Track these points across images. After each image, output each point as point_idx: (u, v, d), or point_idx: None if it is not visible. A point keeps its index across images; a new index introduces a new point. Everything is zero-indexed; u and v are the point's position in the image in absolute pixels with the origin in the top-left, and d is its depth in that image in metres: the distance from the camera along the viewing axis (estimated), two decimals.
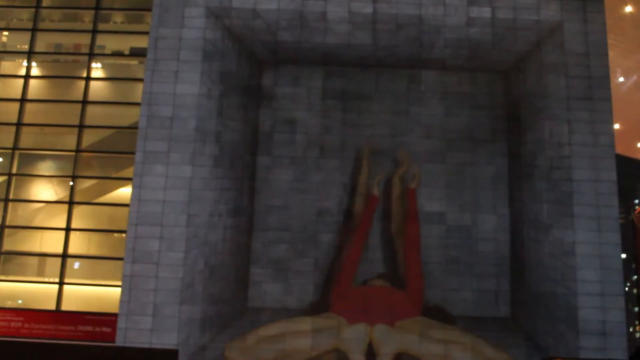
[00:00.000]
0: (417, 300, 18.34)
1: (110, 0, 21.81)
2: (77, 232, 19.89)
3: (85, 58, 21.09)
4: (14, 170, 20.38)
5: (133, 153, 18.50)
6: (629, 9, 24.20)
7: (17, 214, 20.39)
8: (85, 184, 20.39)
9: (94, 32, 21.13)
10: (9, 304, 19.38)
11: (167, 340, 17.10)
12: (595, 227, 17.81)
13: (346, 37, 19.25)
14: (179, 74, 18.69)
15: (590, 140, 18.36)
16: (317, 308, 18.53)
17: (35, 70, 21.29)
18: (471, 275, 19.39)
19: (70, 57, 21.74)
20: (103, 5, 21.47)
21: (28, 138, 20.64)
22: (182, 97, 18.53)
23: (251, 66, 20.19)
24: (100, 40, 21.26)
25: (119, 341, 17.15)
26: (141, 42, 20.43)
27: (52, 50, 21.63)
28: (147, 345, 17.00)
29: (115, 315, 17.54)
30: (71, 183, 20.10)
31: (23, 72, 21.12)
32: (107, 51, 21.42)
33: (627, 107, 25.08)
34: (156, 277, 17.45)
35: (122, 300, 17.40)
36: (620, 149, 22.01)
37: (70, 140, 20.34)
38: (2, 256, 19.87)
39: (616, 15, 23.82)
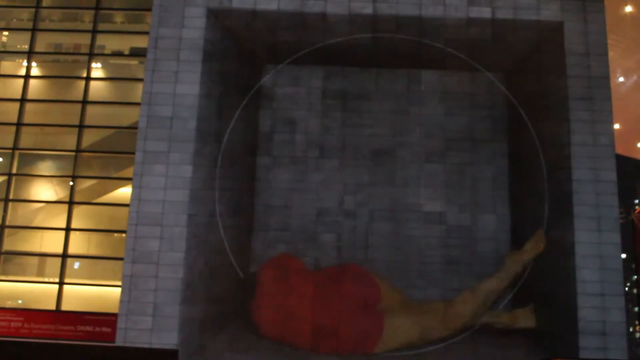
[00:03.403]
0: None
1: (110, 0, 21.81)
2: (77, 232, 19.90)
3: (85, 58, 21.10)
4: (14, 170, 20.39)
5: (133, 153, 18.49)
6: (629, 9, 24.20)
7: (17, 214, 20.40)
8: (85, 184, 20.40)
9: (94, 32, 21.14)
10: (9, 304, 19.38)
11: (167, 340, 17.10)
12: (595, 227, 17.79)
13: (346, 37, 19.25)
14: (179, 74, 18.68)
15: (590, 140, 18.34)
16: None
17: (35, 70, 21.30)
18: (471, 275, 19.38)
19: (70, 57, 21.76)
20: (103, 5, 21.48)
21: (28, 138, 20.65)
22: (182, 97, 18.51)
23: (251, 66, 20.18)
24: (100, 40, 21.28)
25: (119, 341, 17.14)
26: (141, 42, 20.46)
27: (52, 50, 21.65)
28: (147, 345, 16.99)
29: (115, 315, 17.53)
30: (71, 183, 20.11)
31: (23, 72, 21.13)
32: (107, 51, 21.43)
33: (627, 107, 25.08)
34: (156, 277, 17.44)
35: (122, 300, 17.39)
36: (620, 149, 22.01)
37: (70, 140, 20.35)
38: (2, 256, 19.87)
39: (616, 15, 23.83)
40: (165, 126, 18.37)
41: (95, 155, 20.56)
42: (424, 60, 19.90)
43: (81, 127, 20.39)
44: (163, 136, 18.31)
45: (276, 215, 19.63)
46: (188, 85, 18.52)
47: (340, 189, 19.74)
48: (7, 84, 21.16)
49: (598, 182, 18.03)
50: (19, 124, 20.46)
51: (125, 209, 18.43)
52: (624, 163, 23.55)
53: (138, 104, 18.90)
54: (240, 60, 19.80)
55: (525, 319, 17.98)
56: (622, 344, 17.14)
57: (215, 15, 18.84)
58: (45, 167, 20.71)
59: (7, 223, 19.97)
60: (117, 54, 21.61)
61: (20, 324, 18.29)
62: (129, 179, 18.86)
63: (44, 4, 21.86)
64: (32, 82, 21.06)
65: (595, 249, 17.63)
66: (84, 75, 20.90)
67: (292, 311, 17.52)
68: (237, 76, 19.61)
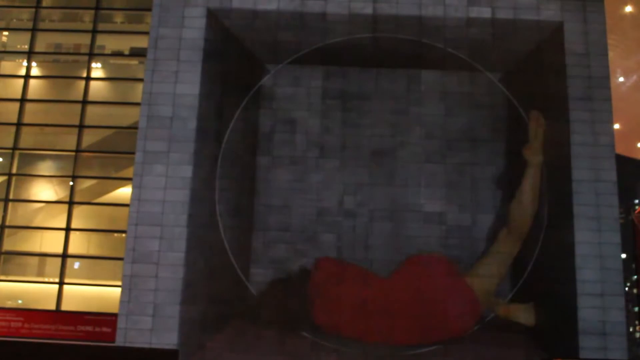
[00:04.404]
0: None
1: (110, 0, 21.81)
2: (77, 232, 19.90)
3: (85, 58, 21.10)
4: (14, 170, 20.39)
5: (133, 153, 18.52)
6: (629, 9, 24.20)
7: (17, 214, 20.39)
8: (85, 184, 20.40)
9: (94, 32, 21.14)
10: (9, 304, 19.38)
11: (167, 340, 17.11)
12: (595, 227, 17.81)
13: (346, 37, 19.24)
14: (179, 74, 18.69)
15: (590, 140, 18.36)
16: None
17: (35, 70, 21.30)
18: None
19: (70, 57, 21.76)
20: (103, 5, 21.48)
21: (28, 138, 20.65)
22: (182, 97, 18.53)
23: (251, 66, 20.18)
24: (100, 40, 21.27)
25: (119, 341, 17.16)
26: (141, 42, 20.45)
27: (52, 50, 21.65)
28: (147, 345, 17.01)
29: (115, 315, 17.55)
30: (71, 183, 20.11)
31: (23, 72, 21.13)
32: (107, 51, 21.43)
33: (627, 107, 25.08)
34: (156, 277, 17.46)
35: (122, 300, 17.41)
36: (620, 149, 22.01)
37: (70, 140, 20.35)
38: (2, 256, 19.87)
39: (616, 15, 23.83)
40: (165, 126, 18.39)
41: (95, 155, 20.55)
42: (424, 60, 19.90)
43: (81, 127, 20.39)
44: (163, 136, 18.33)
45: (276, 215, 19.60)
46: (188, 85, 18.54)
47: (340, 189, 19.71)
48: (7, 84, 21.16)
49: (598, 182, 18.04)
50: (19, 124, 20.46)
51: (125, 209, 18.43)
52: (624, 163, 23.56)
53: (138, 104, 18.93)
54: (240, 60, 19.78)
55: (525, 315, 18.04)
56: (622, 344, 17.15)
57: (215, 15, 18.84)
58: (45, 167, 20.70)
59: (7, 223, 19.97)
60: (117, 54, 21.61)
61: (20, 324, 18.29)
62: (129, 179, 18.87)
63: (44, 4, 21.86)
64: (32, 82, 21.06)
65: (595, 249, 17.65)
66: (84, 75, 20.89)
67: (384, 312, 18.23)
68: (237, 76, 19.60)
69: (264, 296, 18.55)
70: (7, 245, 19.99)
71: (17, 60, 21.67)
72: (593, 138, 18.35)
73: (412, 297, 18.35)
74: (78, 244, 19.95)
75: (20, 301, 19.62)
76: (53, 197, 20.37)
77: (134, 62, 21.76)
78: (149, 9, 19.70)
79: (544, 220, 18.42)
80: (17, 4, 22.47)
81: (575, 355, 16.99)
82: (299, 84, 20.17)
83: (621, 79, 25.32)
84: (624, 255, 19.04)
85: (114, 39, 21.52)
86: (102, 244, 20.30)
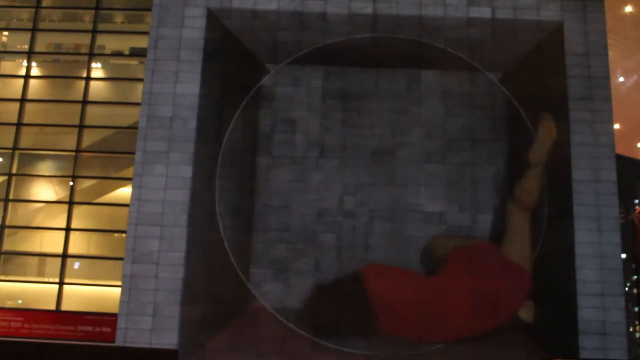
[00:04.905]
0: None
1: (110, 0, 21.82)
2: (77, 232, 19.90)
3: (85, 58, 21.10)
4: (14, 170, 20.39)
5: (133, 153, 18.52)
6: (629, 9, 24.21)
7: (17, 214, 20.40)
8: (85, 184, 20.40)
9: (94, 32, 21.15)
10: (9, 304, 19.39)
11: (167, 340, 17.11)
12: (595, 227, 17.82)
13: (346, 37, 19.25)
14: (179, 74, 18.70)
15: (590, 140, 18.37)
16: None
17: (35, 70, 21.31)
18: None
19: (70, 57, 21.76)
20: (103, 5, 21.48)
21: (28, 138, 20.66)
22: (182, 97, 18.54)
23: (251, 66, 20.18)
24: (100, 40, 21.28)
25: (119, 341, 17.17)
26: (141, 42, 20.46)
27: (52, 50, 21.65)
28: (147, 345, 17.02)
29: (115, 315, 17.55)
30: (71, 183, 20.11)
31: (23, 72, 21.14)
32: (107, 51, 21.44)
33: (627, 107, 25.08)
34: (156, 277, 17.46)
35: (122, 300, 17.41)
36: (620, 149, 22.02)
37: (70, 140, 20.36)
38: (2, 256, 19.88)
39: (616, 15, 23.83)
40: (165, 126, 18.40)
41: (95, 155, 20.56)
42: (424, 60, 19.92)
43: (81, 127, 20.39)
44: (163, 136, 18.34)
45: (276, 215, 19.60)
46: (188, 85, 18.55)
47: (340, 189, 19.71)
48: (7, 84, 21.17)
49: (598, 182, 18.05)
50: (19, 124, 20.46)
51: (125, 209, 18.43)
52: (624, 163, 23.59)
53: (138, 104, 18.94)
54: (240, 60, 19.80)
55: (525, 312, 18.04)
56: (622, 344, 17.17)
57: (215, 15, 18.85)
58: (45, 167, 20.71)
59: (7, 223, 19.98)
60: (117, 54, 21.62)
61: (20, 324, 18.29)
62: (129, 179, 18.88)
63: (44, 4, 21.87)
64: (32, 82, 21.07)
65: (595, 249, 17.66)
66: (84, 75, 20.90)
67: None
68: (237, 76, 19.61)
69: (312, 304, 18.49)
70: (7, 245, 19.99)
71: (17, 60, 21.67)
72: (593, 138, 18.36)
73: (472, 289, 18.26)
74: (78, 244, 19.96)
75: (20, 301, 19.63)
76: (53, 197, 20.37)
77: (134, 62, 21.77)
78: (149, 9, 19.71)
79: (544, 220, 18.43)
80: (17, 4, 22.48)
81: (575, 355, 17.00)
82: (299, 84, 20.18)
83: (621, 79, 25.32)
84: (624, 255, 19.06)
85: (114, 39, 21.52)
86: (102, 244, 20.31)
